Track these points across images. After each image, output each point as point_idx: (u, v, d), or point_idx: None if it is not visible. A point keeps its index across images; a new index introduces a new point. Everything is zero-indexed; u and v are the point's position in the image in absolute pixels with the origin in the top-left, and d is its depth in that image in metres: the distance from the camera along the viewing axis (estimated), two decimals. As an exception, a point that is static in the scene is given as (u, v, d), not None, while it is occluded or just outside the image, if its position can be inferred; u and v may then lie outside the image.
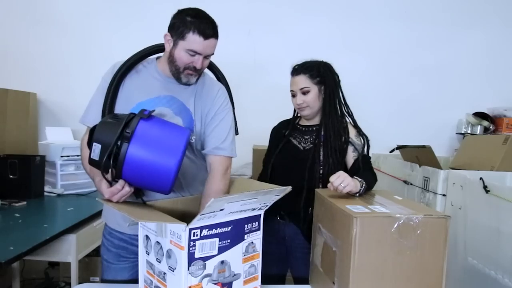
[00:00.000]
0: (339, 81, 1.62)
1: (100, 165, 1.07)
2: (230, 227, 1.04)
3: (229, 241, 1.05)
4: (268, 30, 2.99)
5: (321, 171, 1.53)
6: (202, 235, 0.98)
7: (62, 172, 2.51)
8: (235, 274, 1.08)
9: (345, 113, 1.62)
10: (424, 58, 3.07)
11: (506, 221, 1.66)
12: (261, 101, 2.88)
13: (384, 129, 2.85)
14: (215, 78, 1.51)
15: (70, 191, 2.50)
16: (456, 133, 3.12)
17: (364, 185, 1.31)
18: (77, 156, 2.54)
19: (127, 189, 1.13)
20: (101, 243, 1.48)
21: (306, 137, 1.62)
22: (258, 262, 1.15)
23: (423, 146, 2.33)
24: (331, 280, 1.13)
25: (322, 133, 1.57)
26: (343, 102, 1.62)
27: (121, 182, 1.12)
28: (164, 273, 1.04)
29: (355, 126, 1.60)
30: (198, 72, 1.32)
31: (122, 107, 1.30)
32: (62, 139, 2.63)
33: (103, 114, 1.29)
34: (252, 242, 1.12)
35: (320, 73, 1.56)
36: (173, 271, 1.00)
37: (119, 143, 1.06)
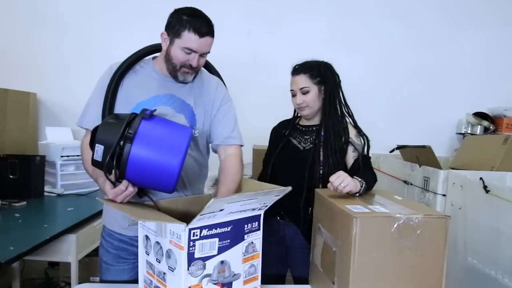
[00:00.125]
0: (340, 81, 1.62)
1: (103, 166, 1.07)
2: (230, 227, 1.04)
3: (229, 241, 1.05)
4: (268, 30, 2.99)
5: (321, 171, 1.53)
6: (202, 235, 0.98)
7: (62, 172, 2.51)
8: (235, 274, 1.08)
9: (345, 113, 1.62)
10: (424, 58, 3.07)
11: (506, 221, 1.66)
12: (261, 101, 2.88)
13: (384, 129, 2.85)
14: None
15: (70, 191, 2.50)
16: (456, 133, 3.12)
17: (364, 185, 1.32)
18: (77, 156, 2.54)
19: (131, 189, 1.13)
20: (99, 245, 1.47)
21: (306, 137, 1.62)
22: (258, 262, 1.15)
23: (423, 146, 2.33)
24: (331, 280, 1.13)
25: (322, 133, 1.57)
26: (343, 102, 1.62)
27: (124, 182, 1.12)
28: (164, 273, 1.04)
29: (356, 126, 1.60)
30: (195, 70, 1.34)
31: (122, 107, 1.31)
32: (62, 139, 2.63)
33: (103, 115, 1.30)
34: (252, 242, 1.12)
35: (321, 73, 1.56)
36: (172, 271, 1.00)
37: (121, 143, 1.06)
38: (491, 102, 3.07)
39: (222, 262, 1.04)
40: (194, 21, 1.25)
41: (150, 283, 1.11)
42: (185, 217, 1.14)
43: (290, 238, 1.60)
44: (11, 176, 2.31)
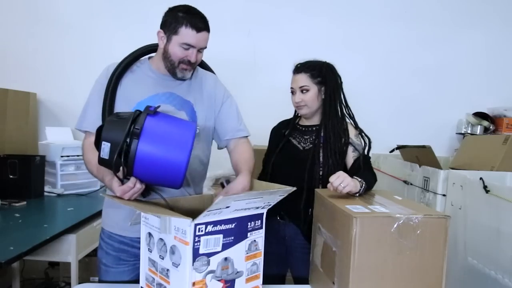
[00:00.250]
0: (341, 83, 1.62)
1: (111, 164, 1.06)
2: (233, 224, 1.05)
3: (232, 238, 1.05)
4: (268, 30, 2.99)
5: (320, 173, 1.53)
6: (207, 230, 0.99)
7: (62, 172, 2.51)
8: (238, 272, 1.08)
9: (346, 115, 1.62)
10: (424, 58, 3.07)
11: (506, 221, 1.66)
12: (261, 101, 2.87)
13: (384, 129, 2.84)
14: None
15: (70, 191, 2.50)
16: (456, 133, 3.12)
17: (364, 185, 1.32)
18: (77, 156, 2.54)
19: (139, 186, 1.12)
20: (98, 247, 1.46)
21: (305, 137, 1.62)
22: (260, 260, 1.15)
23: (423, 146, 2.33)
24: (331, 280, 1.13)
25: (322, 134, 1.57)
26: (345, 104, 1.62)
27: (132, 179, 1.11)
28: (168, 270, 1.04)
29: (357, 128, 1.60)
30: (193, 66, 1.35)
31: (122, 107, 1.30)
32: (62, 139, 2.63)
33: (103, 116, 1.29)
34: (254, 240, 1.12)
35: (322, 73, 1.56)
36: (177, 267, 1.00)
37: (128, 140, 1.06)
38: (491, 102, 3.07)
39: (225, 259, 1.04)
40: (190, 17, 1.27)
41: (152, 281, 1.11)
42: (187, 215, 1.14)
43: (290, 238, 1.60)
44: (11, 176, 2.31)
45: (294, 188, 1.11)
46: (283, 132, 1.68)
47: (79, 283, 1.45)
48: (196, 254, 0.98)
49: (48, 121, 2.91)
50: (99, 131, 1.10)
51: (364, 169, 1.48)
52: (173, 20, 1.28)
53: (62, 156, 2.51)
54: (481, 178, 1.81)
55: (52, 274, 2.64)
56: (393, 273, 1.03)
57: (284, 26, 2.99)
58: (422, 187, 2.28)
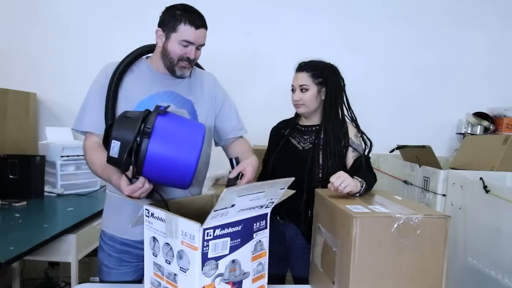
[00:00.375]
0: (344, 85, 1.62)
1: (121, 163, 1.06)
2: (240, 226, 1.05)
3: (239, 240, 1.05)
4: (268, 30, 2.99)
5: (320, 175, 1.53)
6: (215, 234, 0.98)
7: (62, 172, 2.51)
8: (245, 273, 1.08)
9: (349, 118, 1.61)
10: (424, 58, 3.07)
11: (506, 221, 1.66)
12: (261, 101, 2.88)
13: (384, 129, 2.85)
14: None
15: (70, 191, 2.50)
16: (456, 133, 3.12)
17: (364, 185, 1.32)
18: (77, 156, 2.54)
19: (147, 186, 1.12)
20: (98, 249, 1.45)
21: (305, 137, 1.62)
22: (265, 260, 1.16)
23: (423, 146, 2.33)
24: (331, 280, 1.13)
25: (322, 136, 1.57)
26: (347, 107, 1.61)
27: (141, 179, 1.11)
28: (175, 274, 1.03)
29: (359, 131, 1.59)
30: (192, 64, 1.36)
31: (123, 107, 1.30)
32: (62, 139, 2.63)
33: (106, 116, 1.28)
34: (260, 240, 1.12)
35: (324, 74, 1.56)
36: (185, 272, 1.00)
37: (138, 139, 1.05)
38: (491, 102, 3.07)
39: (233, 261, 1.04)
40: (188, 15, 1.29)
41: (158, 285, 1.10)
42: (190, 217, 1.14)
43: (290, 238, 1.60)
44: (11, 176, 2.31)
45: (293, 179, 1.11)
46: (283, 132, 1.68)
47: (79, 283, 1.45)
48: (205, 258, 0.97)
49: (48, 121, 2.91)
50: (108, 129, 1.10)
51: (364, 169, 1.48)
52: (172, 18, 1.29)
53: (62, 156, 2.51)
54: (481, 178, 1.81)
55: (52, 274, 2.64)
56: (393, 273, 1.03)
57: (284, 26, 2.99)
58: (422, 187, 2.28)
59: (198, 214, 1.09)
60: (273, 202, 1.13)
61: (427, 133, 2.99)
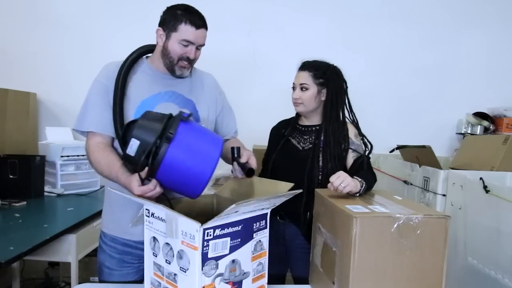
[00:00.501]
0: (347, 87, 1.61)
1: (137, 162, 1.06)
2: (240, 226, 1.05)
3: (239, 240, 1.05)
4: (268, 30, 2.98)
5: (319, 177, 1.53)
6: (215, 234, 0.98)
7: (62, 172, 2.51)
8: (245, 273, 1.08)
9: (350, 120, 1.61)
10: (424, 58, 3.07)
11: (506, 221, 1.66)
12: (261, 101, 2.88)
13: (384, 129, 2.85)
14: None
15: (70, 191, 2.50)
16: (456, 133, 3.12)
17: (364, 185, 1.32)
18: (77, 156, 2.54)
19: (158, 189, 1.12)
20: (99, 250, 1.45)
21: (305, 137, 1.62)
22: (265, 260, 1.16)
23: (423, 146, 2.33)
24: (331, 280, 1.13)
25: (322, 137, 1.57)
26: (349, 109, 1.61)
27: (153, 182, 1.11)
28: (175, 274, 1.03)
29: (360, 133, 1.59)
30: (191, 64, 1.36)
31: (126, 106, 1.30)
32: (62, 139, 2.63)
33: (114, 114, 1.27)
34: (260, 240, 1.13)
35: (325, 75, 1.56)
36: (185, 271, 1.00)
37: (158, 142, 1.05)
38: (491, 102, 3.07)
39: (233, 261, 1.04)
40: (189, 15, 1.30)
41: (158, 285, 1.10)
42: (189, 215, 1.14)
43: (290, 238, 1.60)
44: (11, 176, 2.31)
45: (300, 191, 1.12)
46: (283, 131, 1.68)
47: (79, 283, 1.45)
48: (205, 258, 0.97)
49: (48, 121, 2.91)
50: (128, 126, 1.11)
51: (364, 169, 1.48)
52: (172, 17, 1.30)
53: (62, 156, 2.51)
54: (481, 178, 1.81)
55: (52, 274, 2.64)
56: (393, 273, 1.03)
57: (284, 26, 2.99)
58: (422, 187, 2.28)
59: (198, 214, 1.09)
60: (274, 205, 1.14)
61: (427, 133, 2.99)
